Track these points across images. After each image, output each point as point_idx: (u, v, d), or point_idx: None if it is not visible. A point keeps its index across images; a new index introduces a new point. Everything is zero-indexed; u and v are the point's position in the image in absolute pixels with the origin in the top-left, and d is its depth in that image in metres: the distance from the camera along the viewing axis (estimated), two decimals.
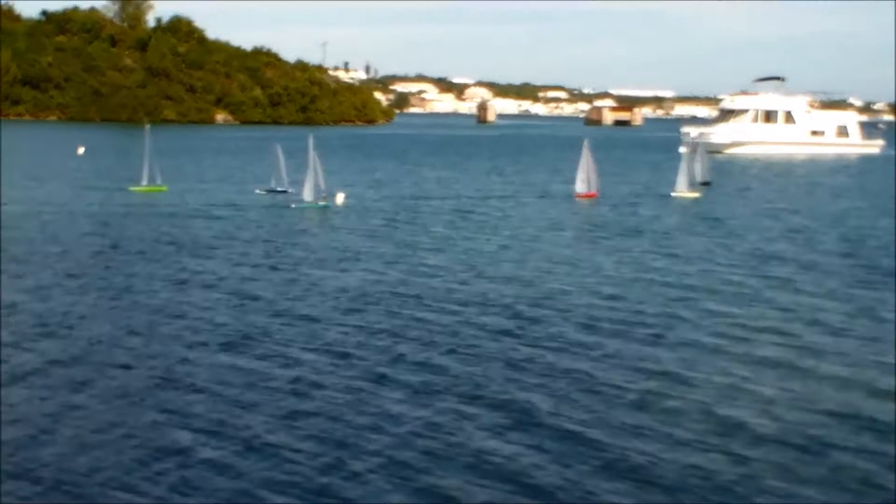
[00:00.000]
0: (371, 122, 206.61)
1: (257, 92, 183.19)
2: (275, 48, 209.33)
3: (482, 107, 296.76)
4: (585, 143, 51.37)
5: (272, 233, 36.46)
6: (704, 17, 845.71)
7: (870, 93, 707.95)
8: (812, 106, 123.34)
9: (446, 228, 38.75)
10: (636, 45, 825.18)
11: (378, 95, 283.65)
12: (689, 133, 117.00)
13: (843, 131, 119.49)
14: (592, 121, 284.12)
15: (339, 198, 46.29)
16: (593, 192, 52.58)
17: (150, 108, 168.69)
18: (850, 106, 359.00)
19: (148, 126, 53.00)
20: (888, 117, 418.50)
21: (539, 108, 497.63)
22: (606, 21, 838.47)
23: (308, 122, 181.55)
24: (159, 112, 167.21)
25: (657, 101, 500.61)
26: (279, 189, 50.48)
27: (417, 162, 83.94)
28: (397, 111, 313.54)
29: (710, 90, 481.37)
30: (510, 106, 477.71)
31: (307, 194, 44.85)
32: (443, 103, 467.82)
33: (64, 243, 32.18)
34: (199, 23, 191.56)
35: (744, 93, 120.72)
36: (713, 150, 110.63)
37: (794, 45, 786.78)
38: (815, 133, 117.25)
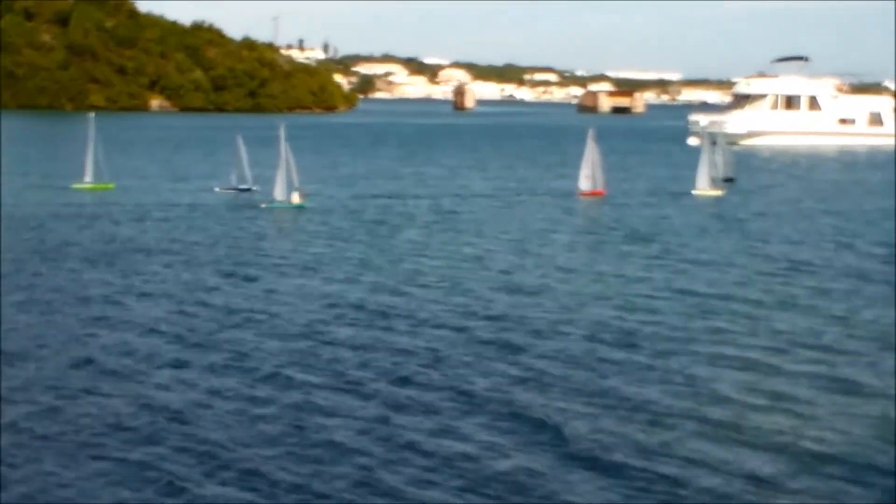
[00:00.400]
0: (330, 108, 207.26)
1: (198, 74, 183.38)
2: (218, 23, 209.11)
3: (459, 91, 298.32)
4: (590, 134, 52.10)
5: (240, 237, 36.88)
6: None
7: None
8: (840, 90, 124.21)
9: (436, 232, 39.18)
10: (637, 20, 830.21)
11: (338, 78, 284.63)
12: (698, 122, 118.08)
13: (875, 119, 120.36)
14: (587, 107, 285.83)
15: (295, 197, 46.71)
16: (599, 189, 53.27)
17: (74, 93, 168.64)
18: (886, 90, 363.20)
19: (93, 115, 53.14)
20: None
21: (525, 93, 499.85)
22: None
23: (257, 109, 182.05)
24: (84, 97, 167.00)
25: (661, 85, 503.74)
26: (242, 187, 50.87)
27: (389, 156, 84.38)
28: (361, 96, 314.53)
29: (722, 72, 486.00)
30: (492, 90, 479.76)
31: (279, 192, 45.25)
32: (414, 87, 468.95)
33: (13, 251, 32.50)
34: None
35: (761, 75, 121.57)
36: (713, 140, 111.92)
37: (820, 20, 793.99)
38: (843, 121, 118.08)
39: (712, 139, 60.82)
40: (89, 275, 28.98)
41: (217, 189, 51.80)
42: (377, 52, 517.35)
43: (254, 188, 50.34)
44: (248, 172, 50.80)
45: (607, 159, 78.60)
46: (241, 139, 50.42)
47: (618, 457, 15.12)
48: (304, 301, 25.53)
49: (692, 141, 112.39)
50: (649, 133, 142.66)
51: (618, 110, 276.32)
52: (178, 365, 19.72)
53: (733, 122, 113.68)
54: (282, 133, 44.51)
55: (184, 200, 47.98)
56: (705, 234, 39.85)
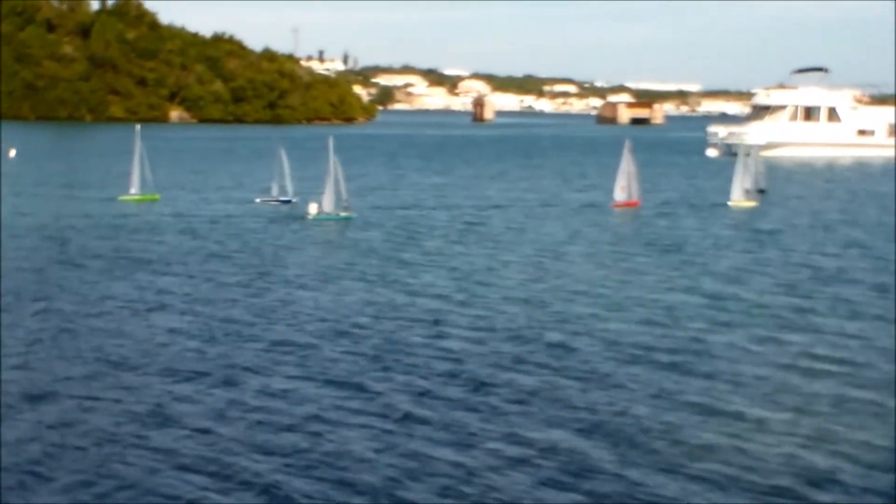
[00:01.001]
0: (350, 120, 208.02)
1: (218, 86, 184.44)
2: (238, 35, 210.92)
3: (478, 102, 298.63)
4: (626, 146, 52.64)
5: (292, 248, 37.17)
6: None
7: None
8: (860, 101, 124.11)
9: (475, 245, 38.87)
10: (657, 32, 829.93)
11: (358, 90, 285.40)
12: (717, 133, 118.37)
13: (894, 130, 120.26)
14: (606, 118, 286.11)
15: (313, 208, 46.98)
16: (634, 200, 53.64)
17: (94, 105, 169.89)
18: None
19: (139, 126, 53.50)
20: None
21: (544, 104, 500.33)
22: (622, 3, 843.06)
23: (276, 121, 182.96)
24: (104, 109, 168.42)
25: (681, 97, 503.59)
26: (282, 199, 51.13)
27: (415, 167, 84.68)
28: (380, 108, 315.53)
29: (742, 83, 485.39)
30: (511, 101, 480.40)
31: (327, 204, 45.63)
32: (433, 98, 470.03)
33: (78, 260, 33.29)
34: (150, 5, 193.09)
35: (781, 86, 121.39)
36: (746, 152, 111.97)
37: (840, 31, 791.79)
38: (862, 133, 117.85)
39: (746, 151, 61.00)
40: (139, 283, 29.57)
41: (258, 200, 51.93)
42: (397, 64, 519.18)
43: (293, 200, 50.72)
44: (289, 184, 51.08)
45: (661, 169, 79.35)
46: (283, 151, 50.49)
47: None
48: (352, 311, 25.84)
49: (711, 152, 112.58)
50: (669, 144, 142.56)
51: (637, 121, 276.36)
52: (199, 375, 20.04)
53: (753, 134, 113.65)
54: (331, 145, 44.74)
55: (228, 211, 48.26)
56: (745, 244, 40.17)
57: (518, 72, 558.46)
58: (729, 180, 56.53)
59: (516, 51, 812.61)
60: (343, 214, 45.47)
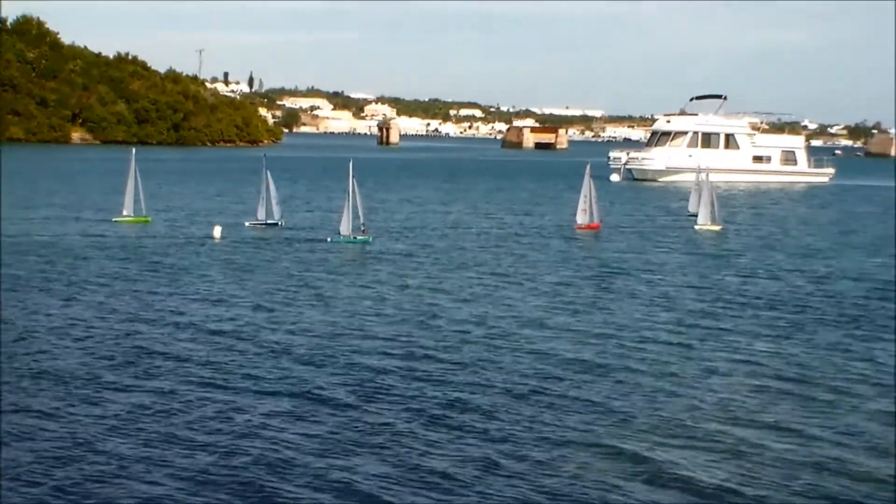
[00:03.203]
0: (255, 142, 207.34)
1: (121, 107, 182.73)
2: (142, 56, 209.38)
3: (384, 126, 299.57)
4: (587, 170, 54.58)
5: (305, 269, 37.53)
6: (641, 25, 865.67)
7: (826, 115, 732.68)
8: (758, 129, 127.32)
9: (438, 272, 38.62)
10: (561, 58, 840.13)
11: (263, 112, 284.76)
12: (619, 158, 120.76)
13: (789, 158, 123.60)
14: (511, 143, 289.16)
15: (217, 231, 47.51)
16: (596, 223, 55.20)
17: None
18: (804, 129, 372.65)
19: (134, 149, 53.40)
20: (845, 142, 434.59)
21: (450, 128, 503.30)
22: (527, 30, 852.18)
23: (181, 143, 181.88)
24: (4, 129, 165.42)
25: (585, 122, 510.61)
26: (269, 221, 51.34)
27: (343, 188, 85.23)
28: (286, 130, 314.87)
29: (645, 109, 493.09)
30: (417, 125, 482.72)
31: (344, 227, 46.12)
32: (339, 121, 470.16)
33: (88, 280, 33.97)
34: (51, 24, 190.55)
35: (683, 113, 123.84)
36: (645, 177, 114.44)
37: (743, 60, 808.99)
38: (758, 159, 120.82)
39: (698, 178, 64.65)
40: (152, 297, 30.63)
41: (247, 224, 52.10)
42: (302, 86, 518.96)
43: (280, 223, 51.20)
44: (275, 207, 51.38)
45: (554, 194, 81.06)
46: (269, 174, 50.66)
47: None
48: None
49: (614, 177, 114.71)
50: (576, 169, 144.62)
51: (541, 146, 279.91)
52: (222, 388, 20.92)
53: (652, 159, 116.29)
54: (350, 169, 45.25)
55: (228, 234, 48.22)
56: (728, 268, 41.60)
57: (424, 95, 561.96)
58: (645, 205, 58.54)
59: (422, 75, 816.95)
60: (360, 237, 45.99)
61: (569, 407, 19.95)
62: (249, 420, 18.73)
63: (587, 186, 55.14)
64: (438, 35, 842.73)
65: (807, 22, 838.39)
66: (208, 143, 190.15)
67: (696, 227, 57.34)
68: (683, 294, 34.27)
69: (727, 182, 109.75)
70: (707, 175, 59.76)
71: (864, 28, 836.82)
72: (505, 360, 23.82)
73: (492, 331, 27.13)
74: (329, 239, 46.27)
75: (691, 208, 65.19)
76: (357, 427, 18.41)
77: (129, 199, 52.58)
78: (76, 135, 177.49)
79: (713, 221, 57.62)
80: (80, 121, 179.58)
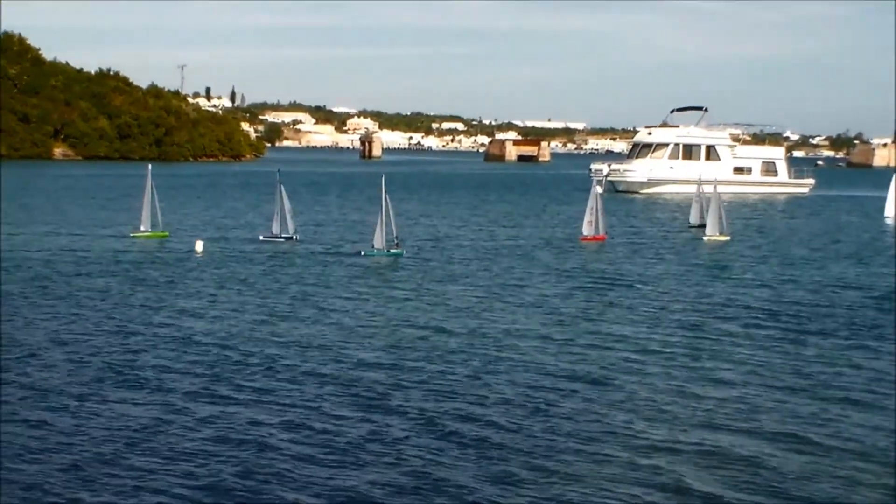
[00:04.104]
0: (237, 157, 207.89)
1: (103, 122, 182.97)
2: (124, 71, 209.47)
3: (367, 139, 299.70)
4: (594, 182, 56.50)
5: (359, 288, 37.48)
6: (623, 38, 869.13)
7: (808, 126, 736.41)
8: (739, 140, 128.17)
9: (458, 281, 39.30)
10: (543, 71, 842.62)
11: (245, 127, 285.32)
12: (601, 170, 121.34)
13: (769, 169, 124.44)
14: (494, 156, 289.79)
15: (199, 245, 47.95)
16: (601, 234, 55.84)
17: None
18: (786, 140, 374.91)
19: (150, 165, 54.04)
20: (827, 152, 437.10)
21: (432, 141, 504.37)
22: (510, 43, 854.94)
23: (163, 158, 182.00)
24: None
25: (567, 134, 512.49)
26: (284, 236, 51.58)
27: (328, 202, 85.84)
28: (268, 144, 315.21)
29: (627, 122, 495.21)
30: (399, 138, 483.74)
31: (378, 241, 46.59)
32: (321, 135, 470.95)
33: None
34: (33, 41, 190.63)
35: (664, 125, 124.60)
36: (628, 189, 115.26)
37: (725, 73, 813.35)
38: (739, 170, 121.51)
39: (697, 191, 66.27)
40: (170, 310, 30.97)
41: (261, 237, 52.43)
42: (284, 101, 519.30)
43: (295, 237, 51.52)
44: (290, 220, 51.65)
45: (543, 207, 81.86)
46: (283, 188, 50.94)
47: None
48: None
49: (598, 189, 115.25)
50: (558, 182, 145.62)
51: (524, 159, 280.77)
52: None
53: (633, 171, 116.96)
54: (383, 183, 45.58)
55: (241, 248, 49.04)
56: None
57: (406, 109, 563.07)
58: (636, 216, 59.18)
59: (404, 88, 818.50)
60: (393, 251, 46.45)
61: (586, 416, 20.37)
62: (252, 427, 19.24)
63: (593, 199, 55.96)
64: (420, 49, 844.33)
65: (788, 34, 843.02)
66: (191, 158, 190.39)
67: (705, 238, 57.92)
68: (711, 303, 34.80)
69: (709, 194, 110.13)
70: (715, 187, 60.38)
71: (847, 40, 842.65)
72: (540, 367, 24.37)
73: (525, 338, 27.86)
74: (363, 252, 46.71)
75: (692, 220, 66.02)
76: (364, 437, 18.78)
77: (146, 214, 53.01)
78: (58, 150, 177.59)
79: (721, 232, 58.37)
80: (62, 136, 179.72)
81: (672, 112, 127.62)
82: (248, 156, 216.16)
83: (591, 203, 56.01)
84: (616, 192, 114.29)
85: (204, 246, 47.84)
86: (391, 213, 46.42)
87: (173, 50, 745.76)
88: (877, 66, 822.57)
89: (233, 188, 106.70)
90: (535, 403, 21.12)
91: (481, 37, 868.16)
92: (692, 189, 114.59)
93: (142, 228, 53.03)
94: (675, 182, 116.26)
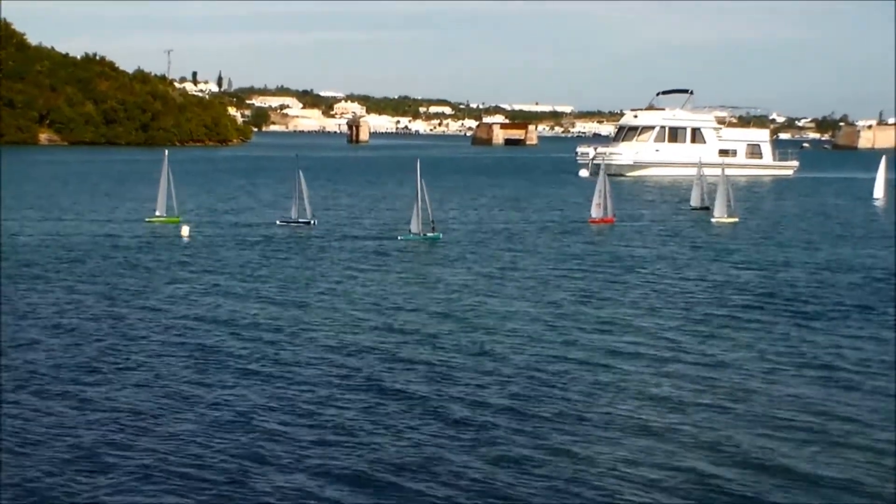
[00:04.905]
0: (224, 142, 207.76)
1: (89, 107, 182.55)
2: (110, 56, 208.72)
3: (354, 124, 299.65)
4: (602, 167, 57.92)
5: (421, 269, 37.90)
6: (609, 22, 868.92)
7: (794, 109, 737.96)
8: (725, 123, 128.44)
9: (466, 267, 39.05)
10: (530, 54, 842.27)
11: (232, 111, 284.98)
12: (587, 153, 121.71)
13: (754, 151, 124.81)
14: (481, 139, 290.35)
15: (185, 230, 48.13)
16: (610, 217, 56.44)
17: None
18: (772, 122, 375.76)
19: (167, 151, 54.28)
20: (813, 135, 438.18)
21: (420, 125, 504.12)
22: (496, 27, 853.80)
23: (149, 143, 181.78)
24: None
25: (555, 117, 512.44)
26: (301, 220, 51.84)
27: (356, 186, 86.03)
28: (255, 129, 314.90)
29: (614, 105, 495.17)
30: (386, 123, 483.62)
31: (414, 225, 46.99)
32: (308, 120, 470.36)
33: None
34: (18, 26, 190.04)
35: (651, 108, 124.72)
36: (615, 172, 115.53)
37: (711, 55, 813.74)
38: (724, 153, 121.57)
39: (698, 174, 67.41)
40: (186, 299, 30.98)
41: (278, 222, 52.89)
42: (272, 85, 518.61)
43: (312, 222, 51.73)
44: (308, 205, 51.86)
45: (542, 190, 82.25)
46: (302, 174, 51.06)
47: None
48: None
49: (583, 173, 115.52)
50: (546, 165, 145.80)
51: (511, 142, 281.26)
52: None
53: (620, 155, 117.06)
54: (418, 167, 46.00)
55: (260, 233, 49.36)
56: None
57: (393, 93, 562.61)
58: (631, 200, 59.37)
59: (391, 72, 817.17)
60: (431, 234, 46.83)
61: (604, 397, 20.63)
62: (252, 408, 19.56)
63: (601, 182, 56.56)
64: (408, 33, 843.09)
65: (774, 17, 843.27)
66: (177, 143, 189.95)
67: (714, 220, 58.40)
68: (735, 282, 35.49)
69: (694, 176, 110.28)
70: (723, 170, 60.71)
71: (832, 24, 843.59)
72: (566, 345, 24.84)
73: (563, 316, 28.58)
74: (400, 237, 46.97)
75: (693, 202, 66.50)
76: (375, 419, 19.01)
77: (161, 200, 53.31)
78: (44, 136, 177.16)
79: (729, 214, 58.82)
80: (48, 122, 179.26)
81: (658, 95, 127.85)
82: (234, 140, 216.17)
83: (598, 186, 56.73)
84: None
85: (190, 231, 48.03)
86: (427, 198, 46.76)
87: (160, 35, 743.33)
88: (862, 48, 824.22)
89: (238, 173, 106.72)
90: (560, 382, 21.49)
91: (469, 20, 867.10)
92: (678, 172, 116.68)
93: (157, 213, 53.30)
94: (661, 165, 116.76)
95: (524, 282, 35.12)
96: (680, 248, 46.27)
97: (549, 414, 19.25)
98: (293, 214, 52.56)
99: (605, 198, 56.49)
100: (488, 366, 22.93)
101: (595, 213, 56.60)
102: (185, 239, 46.56)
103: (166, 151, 54.29)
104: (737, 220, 58.38)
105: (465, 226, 54.27)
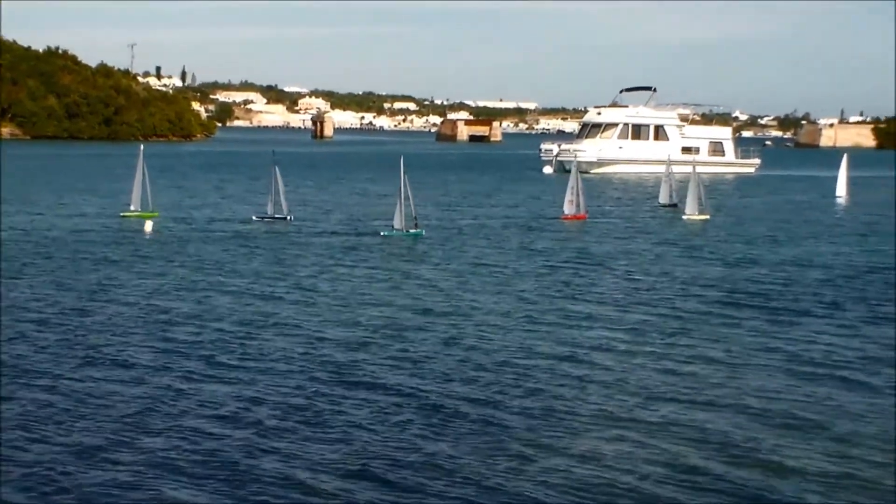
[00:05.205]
0: (188, 137, 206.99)
1: (52, 101, 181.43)
2: (73, 50, 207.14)
3: (318, 119, 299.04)
4: (574, 164, 58.62)
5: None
6: (574, 18, 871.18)
7: (757, 106, 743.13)
8: (688, 120, 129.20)
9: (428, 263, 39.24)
10: (495, 51, 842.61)
11: (196, 106, 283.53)
12: (551, 150, 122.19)
13: (717, 149, 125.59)
14: (446, 136, 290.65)
15: (148, 225, 48.11)
16: (582, 213, 56.82)
17: None
18: (735, 120, 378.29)
19: (142, 146, 54.08)
20: (776, 133, 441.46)
21: (384, 121, 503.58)
22: (461, 24, 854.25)
23: (113, 137, 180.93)
24: None
25: (519, 114, 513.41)
26: (278, 216, 51.87)
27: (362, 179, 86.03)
28: (219, 124, 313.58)
29: (578, 102, 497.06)
30: (351, 118, 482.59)
31: (397, 221, 47.01)
32: (272, 115, 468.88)
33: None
34: None
35: (615, 105, 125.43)
36: (577, 169, 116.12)
37: (674, 53, 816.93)
38: (687, 150, 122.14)
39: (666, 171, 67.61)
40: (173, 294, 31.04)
41: (254, 217, 52.91)
42: (236, 80, 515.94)
43: (288, 217, 51.77)
44: (283, 201, 51.92)
45: (508, 187, 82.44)
46: (278, 169, 51.26)
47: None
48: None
49: (547, 170, 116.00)
50: (511, 162, 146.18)
51: (476, 139, 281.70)
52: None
53: (583, 151, 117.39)
54: (402, 164, 46.08)
55: (236, 228, 49.54)
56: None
57: (358, 88, 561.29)
58: (598, 196, 59.81)
59: (356, 68, 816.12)
60: (413, 231, 47.03)
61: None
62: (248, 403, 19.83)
63: (574, 178, 56.96)
64: (372, 28, 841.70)
65: (737, 15, 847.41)
66: (141, 138, 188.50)
67: (685, 217, 58.84)
68: (703, 279, 35.81)
69: (658, 173, 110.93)
70: (694, 168, 61.25)
71: (795, 22, 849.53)
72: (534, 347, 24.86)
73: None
74: (383, 233, 47.14)
75: (661, 199, 66.77)
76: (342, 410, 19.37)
77: (136, 195, 53.11)
78: (6, 130, 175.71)
79: (700, 211, 59.32)
80: (10, 116, 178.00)
81: (621, 92, 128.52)
82: (198, 135, 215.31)
83: (571, 182, 57.11)
84: (565, 171, 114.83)
85: (153, 226, 47.96)
86: (410, 193, 46.94)
87: (123, 29, 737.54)
88: (825, 46, 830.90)
89: (206, 168, 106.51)
90: (533, 375, 21.80)
91: (433, 16, 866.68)
92: (641, 169, 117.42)
93: (132, 208, 53.05)
94: (624, 162, 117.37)
95: (501, 277, 35.50)
96: (653, 244, 46.68)
97: (521, 406, 19.49)
98: (269, 210, 52.64)
99: (578, 195, 56.92)
100: (465, 357, 23.29)
101: (568, 209, 56.91)
102: (148, 234, 46.34)
103: (142, 146, 53.96)
104: (708, 217, 58.98)
105: (441, 222, 54.53)
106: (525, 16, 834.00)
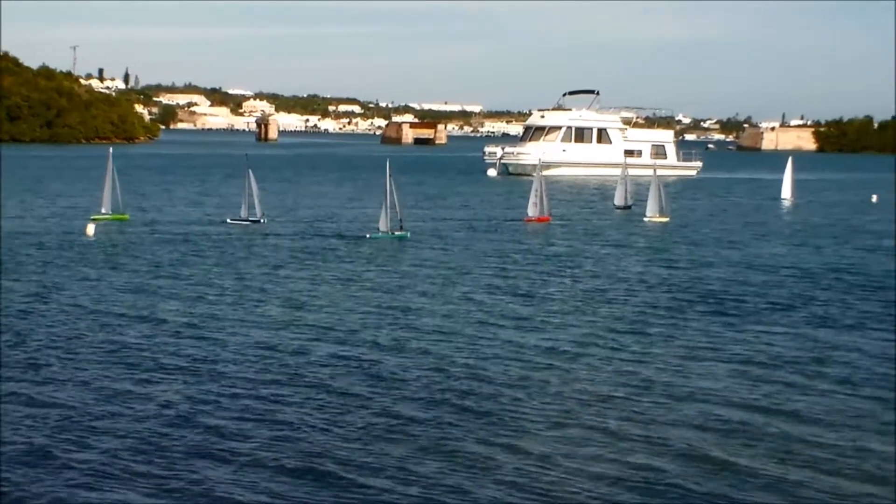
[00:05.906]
0: (131, 139, 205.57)
1: None
2: (13, 52, 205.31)
3: (263, 122, 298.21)
4: (538, 166, 59.24)
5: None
6: (519, 21, 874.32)
7: (699, 110, 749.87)
8: (631, 123, 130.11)
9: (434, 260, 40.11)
10: (439, 53, 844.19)
11: (139, 108, 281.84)
12: (495, 153, 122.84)
13: (659, 152, 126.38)
14: (391, 138, 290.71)
15: (90, 228, 47.71)
16: (546, 216, 57.36)
17: None
18: (679, 123, 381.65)
19: (111, 149, 53.74)
20: (718, 136, 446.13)
21: (329, 124, 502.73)
22: (406, 25, 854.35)
23: (54, 140, 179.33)
24: None
25: (464, 117, 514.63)
26: (251, 219, 51.85)
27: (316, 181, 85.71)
28: (163, 127, 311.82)
29: (523, 105, 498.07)
30: (295, 121, 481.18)
31: (382, 224, 47.01)
32: (216, 118, 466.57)
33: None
34: None
35: (559, 108, 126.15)
36: (521, 172, 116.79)
37: (618, 56, 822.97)
38: (630, 153, 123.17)
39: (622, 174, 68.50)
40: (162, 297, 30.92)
41: (228, 220, 52.77)
42: (179, 83, 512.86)
43: (262, 220, 51.73)
44: (257, 204, 51.98)
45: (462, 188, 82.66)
46: (251, 172, 51.23)
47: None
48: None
49: (491, 172, 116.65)
50: (454, 165, 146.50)
51: (420, 141, 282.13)
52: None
53: (527, 154, 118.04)
54: (388, 167, 46.16)
55: (210, 231, 49.39)
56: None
57: (302, 91, 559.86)
58: (551, 199, 60.56)
59: (301, 71, 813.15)
60: (398, 233, 47.05)
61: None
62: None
63: (538, 181, 57.65)
64: (317, 30, 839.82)
65: (680, 18, 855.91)
66: (83, 141, 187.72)
67: (646, 218, 59.57)
68: (665, 280, 36.40)
69: (601, 176, 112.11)
70: (655, 170, 62.28)
71: (736, 25, 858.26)
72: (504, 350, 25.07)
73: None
74: (368, 235, 47.16)
75: (617, 202, 67.76)
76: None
77: (107, 197, 52.73)
78: None
79: (661, 213, 60.03)
80: None
81: (565, 95, 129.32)
82: (142, 138, 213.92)
83: (535, 185, 57.84)
84: (509, 174, 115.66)
85: (95, 229, 47.34)
86: (395, 196, 47.03)
87: (65, 30, 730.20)
88: (767, 50, 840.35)
89: (156, 171, 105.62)
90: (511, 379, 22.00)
91: (377, 18, 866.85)
92: (584, 171, 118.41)
93: (102, 211, 52.68)
94: (567, 165, 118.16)
95: (476, 281, 35.66)
96: (617, 246, 47.26)
97: (473, 408, 19.69)
98: (243, 213, 52.77)
99: (542, 197, 57.58)
100: (428, 361, 23.43)
101: (531, 211, 57.54)
102: (90, 237, 45.71)
103: (111, 149, 54.04)
104: (668, 219, 59.66)
105: (414, 223, 54.34)
106: (470, 18, 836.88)
